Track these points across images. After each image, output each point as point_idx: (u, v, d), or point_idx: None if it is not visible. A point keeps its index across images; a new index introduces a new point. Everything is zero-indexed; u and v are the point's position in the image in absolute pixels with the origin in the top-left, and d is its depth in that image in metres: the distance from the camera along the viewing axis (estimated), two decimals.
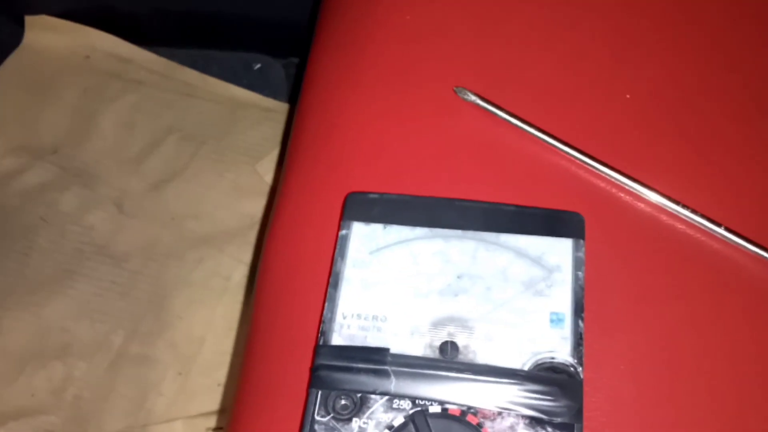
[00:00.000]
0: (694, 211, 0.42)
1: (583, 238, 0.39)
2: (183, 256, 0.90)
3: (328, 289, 0.39)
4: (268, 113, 1.02)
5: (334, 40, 0.53)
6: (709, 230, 0.42)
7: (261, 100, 1.04)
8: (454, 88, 0.47)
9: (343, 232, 0.41)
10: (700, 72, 0.48)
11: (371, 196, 0.41)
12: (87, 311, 0.88)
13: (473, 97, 0.46)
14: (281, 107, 1.03)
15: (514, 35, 0.50)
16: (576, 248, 0.39)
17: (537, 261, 0.39)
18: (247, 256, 0.90)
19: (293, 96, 1.04)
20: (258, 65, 1.06)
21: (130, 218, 0.93)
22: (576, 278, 0.38)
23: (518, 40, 0.49)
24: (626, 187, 0.43)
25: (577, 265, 0.39)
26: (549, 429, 0.35)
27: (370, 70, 0.49)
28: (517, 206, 0.41)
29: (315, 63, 0.53)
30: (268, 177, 0.96)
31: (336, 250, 0.40)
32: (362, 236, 0.40)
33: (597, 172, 0.44)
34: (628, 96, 0.47)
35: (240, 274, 0.89)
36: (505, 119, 0.45)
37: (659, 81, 0.48)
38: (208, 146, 0.99)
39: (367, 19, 0.52)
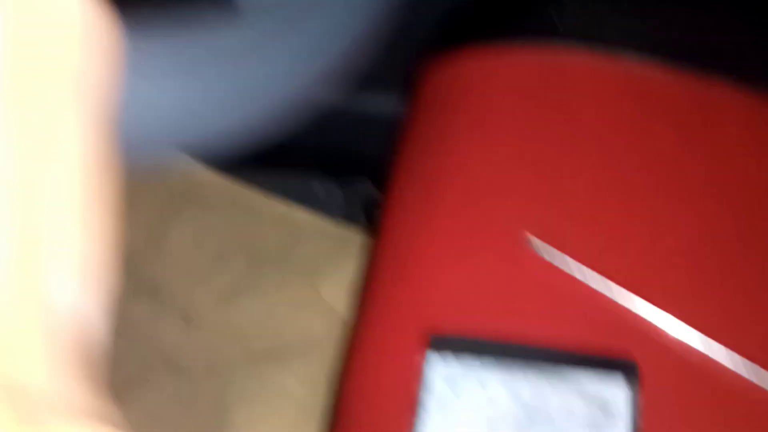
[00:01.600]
0: (743, 358, 0.47)
1: (638, 383, 0.44)
2: (247, 372, 0.95)
3: (412, 418, 0.44)
4: (329, 235, 1.09)
5: (411, 183, 0.60)
6: (756, 374, 0.46)
7: (323, 222, 1.10)
8: (523, 235, 0.53)
9: (425, 368, 0.46)
10: (752, 221, 0.53)
11: (450, 337, 0.47)
12: (151, 421, 0.93)
13: (540, 244, 0.52)
14: (343, 230, 1.09)
15: (578, 186, 0.55)
16: (632, 391, 0.44)
17: (597, 401, 0.44)
18: (310, 373, 0.95)
19: (352, 218, 1.11)
20: (320, 189, 1.13)
21: (197, 331, 0.99)
22: (633, 419, 0.43)
23: (583, 190, 0.55)
24: (679, 336, 0.48)
25: (633, 406, 0.43)
26: None
27: (445, 216, 0.55)
28: (580, 352, 0.46)
29: (392, 204, 0.59)
30: (328, 297, 1.02)
31: (418, 383, 0.45)
32: (441, 372, 0.45)
33: (655, 321, 0.49)
34: (681, 245, 0.52)
35: (303, 391, 0.94)
36: (570, 266, 0.51)
37: (714, 228, 0.53)
38: (271, 265, 1.05)
39: (444, 167, 0.58)
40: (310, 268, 1.05)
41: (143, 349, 0.98)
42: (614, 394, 0.44)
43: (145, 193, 1.12)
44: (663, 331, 0.49)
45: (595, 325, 0.49)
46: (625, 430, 0.43)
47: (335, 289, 1.03)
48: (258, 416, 0.92)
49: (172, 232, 1.08)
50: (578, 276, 0.50)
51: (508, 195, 0.56)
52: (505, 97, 0.60)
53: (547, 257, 0.52)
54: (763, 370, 0.46)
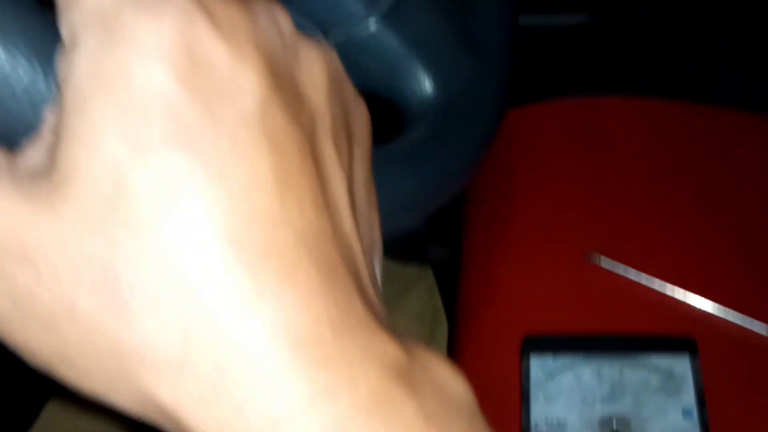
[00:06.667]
0: None
1: (698, 355, 0.56)
2: None
3: (522, 404, 0.56)
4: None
5: (484, 216, 0.72)
6: None
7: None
8: (585, 251, 0.65)
9: (524, 363, 0.58)
10: None
11: (541, 336, 0.59)
12: None
13: (598, 258, 0.64)
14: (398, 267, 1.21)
15: (627, 207, 0.68)
16: (693, 362, 0.56)
17: (667, 373, 0.56)
18: None
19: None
20: None
21: None
22: (697, 383, 0.55)
23: (630, 210, 0.68)
24: (726, 316, 0.60)
25: (696, 374, 0.55)
26: None
27: (519, 243, 0.67)
28: (647, 335, 0.58)
29: (470, 235, 0.72)
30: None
31: (522, 376, 0.57)
32: (538, 365, 0.58)
33: (702, 307, 0.61)
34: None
35: None
36: (629, 272, 0.63)
37: (742, 227, 0.65)
38: None
39: (512, 202, 0.71)
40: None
41: None
42: (680, 366, 0.56)
43: None
44: (713, 314, 0.60)
45: (658, 314, 0.61)
46: (692, 392, 0.54)
47: (402, 322, 1.14)
48: None
49: None
50: (637, 279, 0.63)
51: (569, 220, 0.68)
52: (560, 142, 0.73)
53: (608, 267, 0.64)
54: None
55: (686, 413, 0.54)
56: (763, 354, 0.58)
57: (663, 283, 0.62)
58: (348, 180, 0.24)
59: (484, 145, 0.46)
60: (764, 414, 0.56)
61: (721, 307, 0.60)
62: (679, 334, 0.58)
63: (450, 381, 0.24)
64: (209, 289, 0.20)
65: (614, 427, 0.54)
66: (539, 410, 0.55)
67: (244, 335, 0.20)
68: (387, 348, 0.22)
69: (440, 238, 1.07)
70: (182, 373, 0.20)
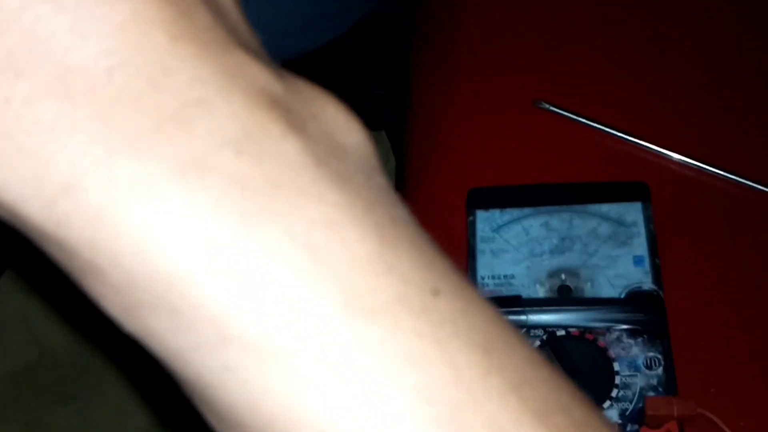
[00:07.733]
0: (727, 170, 0.56)
1: (650, 201, 0.53)
2: None
3: (468, 260, 0.53)
4: None
5: (430, 69, 0.68)
6: (743, 185, 0.56)
7: None
8: (532, 100, 0.61)
9: (470, 218, 0.55)
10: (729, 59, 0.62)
11: (487, 188, 0.56)
12: None
13: (546, 105, 0.61)
14: None
15: (570, 53, 0.64)
16: (645, 208, 0.53)
17: (617, 221, 0.53)
18: None
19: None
20: None
21: None
22: (648, 230, 0.52)
23: (574, 56, 0.64)
24: (677, 160, 0.57)
25: (648, 220, 0.53)
26: (645, 337, 0.49)
27: (465, 94, 0.64)
28: (597, 182, 0.55)
29: (417, 90, 0.68)
30: None
31: (468, 232, 0.54)
32: (485, 219, 0.55)
33: (653, 149, 0.57)
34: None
35: None
36: (574, 119, 0.60)
37: (697, 71, 0.62)
38: None
39: (457, 51, 0.67)
40: None
41: None
42: (632, 213, 0.53)
43: None
44: (664, 159, 0.58)
45: (609, 162, 0.58)
46: (644, 240, 0.52)
47: None
48: None
49: None
50: (587, 126, 0.59)
51: (516, 68, 0.64)
52: None
53: (556, 113, 0.60)
54: (747, 181, 0.56)
55: (638, 261, 0.52)
56: (716, 199, 0.56)
57: (613, 129, 0.59)
58: None
59: None
60: (716, 260, 0.54)
61: (673, 153, 0.57)
62: (630, 180, 0.55)
63: (343, 126, 0.18)
64: None
65: (563, 279, 0.52)
66: (486, 266, 0.53)
67: (48, 39, 0.15)
68: (255, 71, 0.17)
69: (394, 101, 1.02)
70: None
